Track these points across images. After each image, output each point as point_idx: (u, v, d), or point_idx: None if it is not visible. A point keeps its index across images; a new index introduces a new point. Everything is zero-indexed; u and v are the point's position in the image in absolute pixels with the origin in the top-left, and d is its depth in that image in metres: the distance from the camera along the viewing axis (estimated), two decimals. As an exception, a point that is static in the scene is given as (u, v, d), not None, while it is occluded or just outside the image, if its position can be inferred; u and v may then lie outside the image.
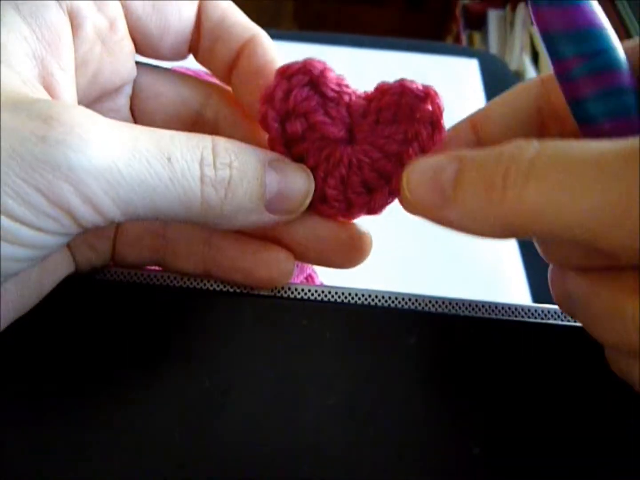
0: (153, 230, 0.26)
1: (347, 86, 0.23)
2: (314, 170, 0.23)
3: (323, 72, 0.22)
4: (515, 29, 1.42)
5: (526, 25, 1.42)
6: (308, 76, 0.22)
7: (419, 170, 0.20)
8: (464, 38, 1.53)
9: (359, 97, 0.23)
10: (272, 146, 0.23)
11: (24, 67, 0.19)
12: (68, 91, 0.21)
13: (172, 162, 0.19)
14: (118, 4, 0.22)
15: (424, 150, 0.22)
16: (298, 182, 0.22)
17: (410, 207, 0.20)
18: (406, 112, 0.22)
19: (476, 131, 0.24)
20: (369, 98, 0.23)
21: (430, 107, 0.22)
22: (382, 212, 0.23)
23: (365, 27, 1.71)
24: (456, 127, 0.24)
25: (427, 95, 0.22)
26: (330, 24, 1.78)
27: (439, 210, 0.19)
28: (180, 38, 0.24)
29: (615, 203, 0.15)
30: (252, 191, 0.21)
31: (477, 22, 1.54)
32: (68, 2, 0.21)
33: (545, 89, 0.23)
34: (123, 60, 0.23)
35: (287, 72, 0.22)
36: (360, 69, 0.70)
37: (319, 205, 0.24)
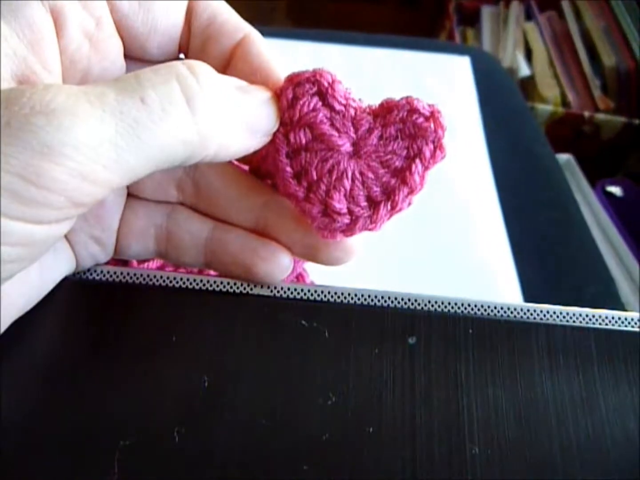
0: (157, 223, 0.26)
1: (353, 100, 0.23)
2: (315, 183, 0.23)
3: (332, 84, 0.22)
4: (508, 26, 1.42)
5: (519, 22, 1.42)
6: (317, 86, 0.22)
7: None
8: (457, 34, 1.53)
9: (363, 111, 0.23)
10: (274, 155, 0.23)
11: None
12: None
13: (146, 102, 0.18)
14: (104, 2, 0.22)
15: (426, 168, 0.22)
16: (266, 102, 0.22)
17: None
18: (410, 129, 0.22)
19: None
20: (374, 113, 0.23)
21: (433, 126, 0.22)
22: (381, 228, 0.23)
23: (359, 24, 1.70)
24: None
25: (431, 114, 0.22)
26: (324, 21, 1.78)
27: None
28: (168, 37, 0.23)
29: None
30: (239, 113, 0.20)
31: (471, 19, 1.54)
32: (51, 1, 0.20)
33: None
34: (112, 58, 0.23)
35: (296, 80, 0.22)
36: (354, 66, 0.70)
37: (320, 219, 0.23)
